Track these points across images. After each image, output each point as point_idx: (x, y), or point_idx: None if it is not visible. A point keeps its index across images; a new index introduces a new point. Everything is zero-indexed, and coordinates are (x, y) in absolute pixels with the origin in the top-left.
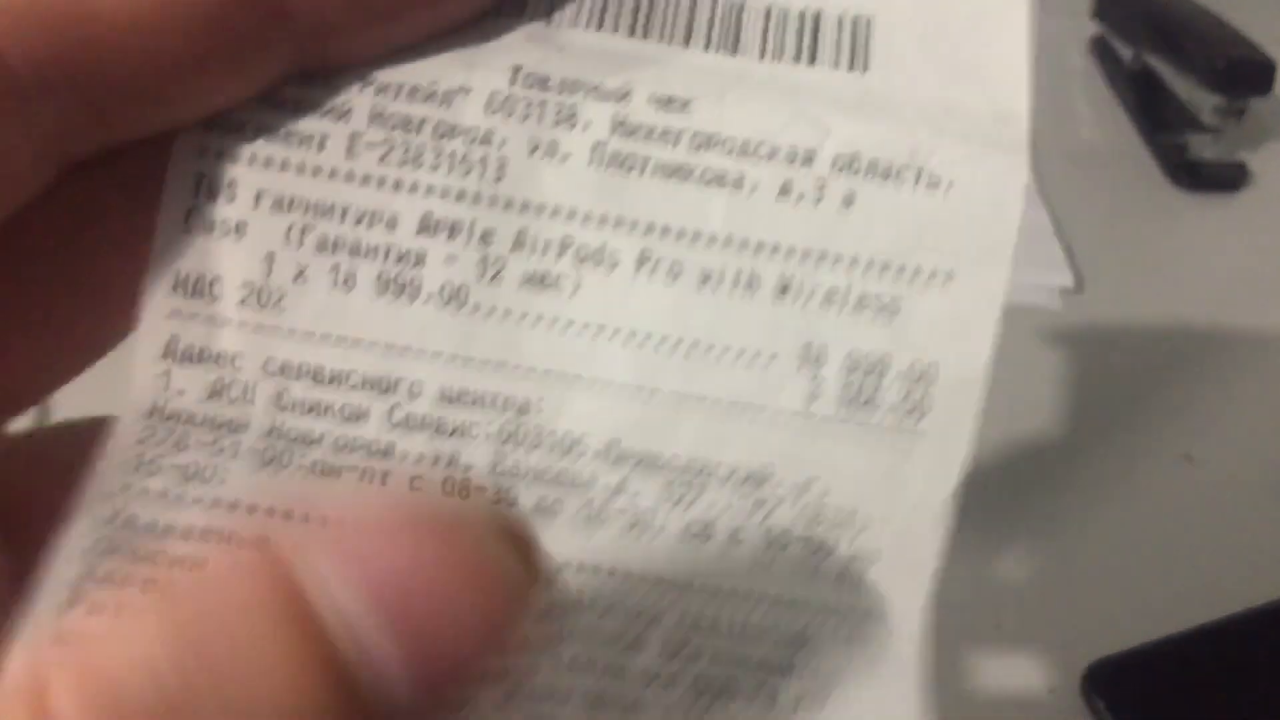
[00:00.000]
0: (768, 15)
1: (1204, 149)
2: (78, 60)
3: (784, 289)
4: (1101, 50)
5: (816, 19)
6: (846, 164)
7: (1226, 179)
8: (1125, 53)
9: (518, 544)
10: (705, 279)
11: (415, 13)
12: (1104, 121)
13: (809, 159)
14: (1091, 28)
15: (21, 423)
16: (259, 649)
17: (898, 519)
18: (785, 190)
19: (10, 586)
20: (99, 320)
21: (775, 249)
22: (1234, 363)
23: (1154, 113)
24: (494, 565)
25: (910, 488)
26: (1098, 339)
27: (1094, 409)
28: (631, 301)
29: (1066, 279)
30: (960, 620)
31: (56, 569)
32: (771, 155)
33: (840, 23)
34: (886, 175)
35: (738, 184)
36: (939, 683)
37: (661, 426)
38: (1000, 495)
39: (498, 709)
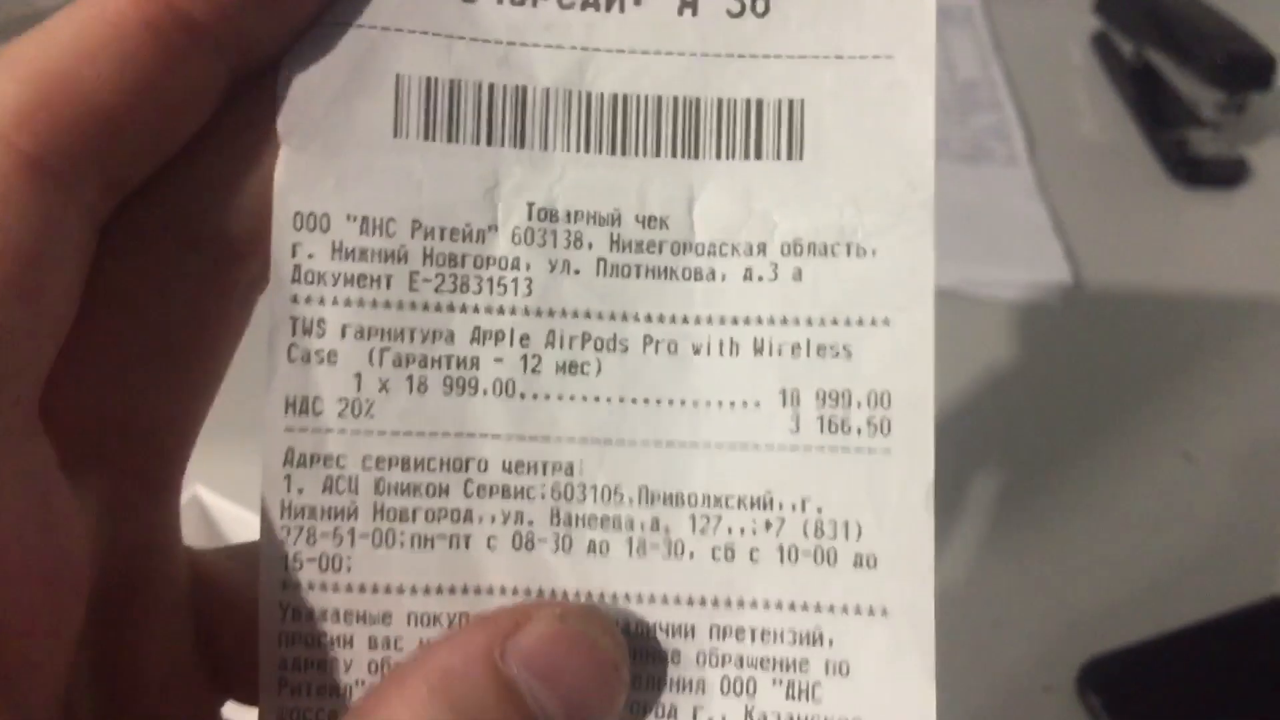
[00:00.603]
0: (719, 112)
1: (1204, 144)
2: (95, 144)
3: (758, 349)
4: (1102, 46)
5: (759, 107)
6: (792, 248)
7: (1227, 174)
8: (1126, 48)
9: (614, 634)
10: (697, 350)
11: None
12: (1104, 117)
13: (763, 249)
14: (1093, 23)
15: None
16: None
17: (886, 521)
18: (748, 275)
19: (206, 675)
20: (195, 365)
21: (747, 319)
22: (1233, 360)
23: (1154, 108)
24: (605, 652)
25: (890, 493)
26: (1097, 336)
27: (1092, 406)
28: (642, 376)
29: (1066, 276)
30: (956, 618)
31: (264, 658)
32: (734, 251)
33: (778, 109)
34: (824, 252)
35: (711, 275)
36: (935, 680)
37: (681, 470)
38: (997, 493)
39: None
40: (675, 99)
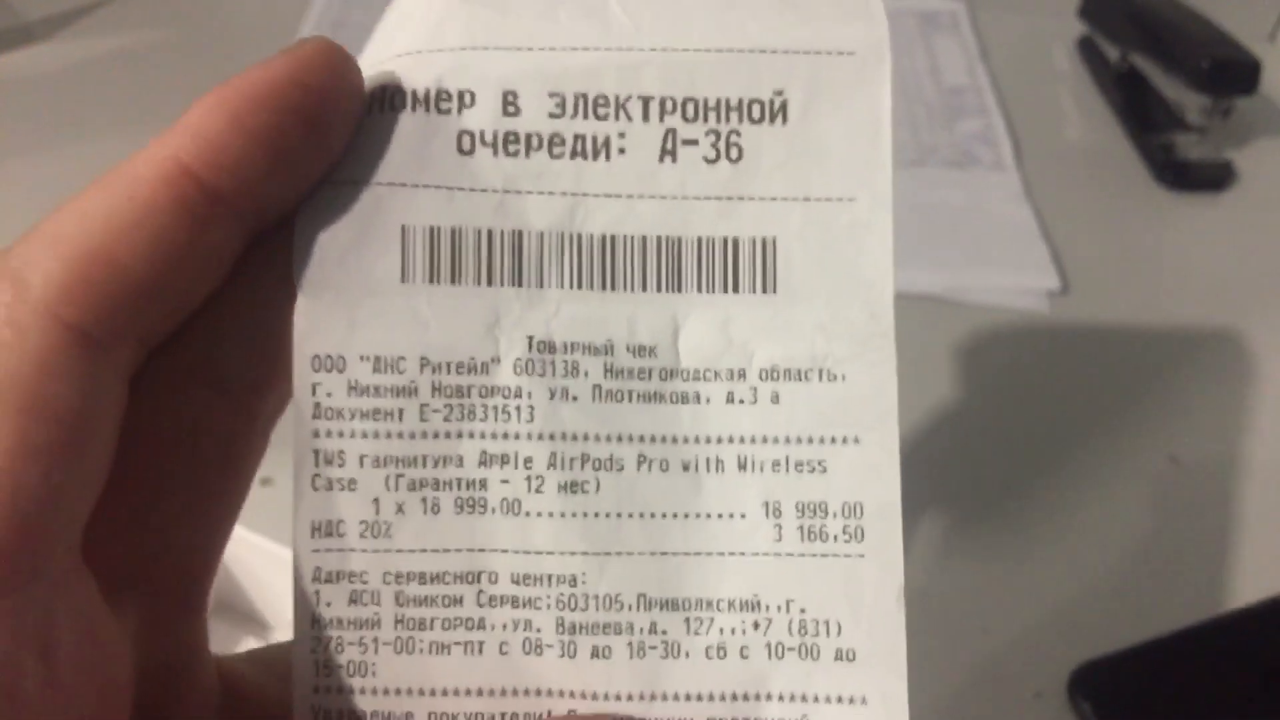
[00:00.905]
0: (699, 250)
1: (1190, 149)
2: (130, 310)
3: (742, 465)
4: (1088, 51)
5: (735, 245)
6: (769, 374)
7: (1213, 178)
8: (1112, 53)
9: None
10: (686, 467)
11: (308, 156)
12: (1090, 122)
13: (742, 374)
14: (1078, 29)
15: None
16: None
17: (863, 619)
18: (730, 398)
19: None
20: (221, 491)
21: (730, 439)
22: (1220, 364)
23: (1140, 113)
24: None
25: (865, 594)
26: (1084, 341)
27: (1080, 411)
28: (638, 491)
29: (1053, 282)
30: (947, 624)
31: None
32: (716, 376)
33: (752, 247)
34: (799, 377)
35: (696, 399)
36: (926, 687)
37: (675, 577)
38: (986, 498)
39: None
40: (659, 238)
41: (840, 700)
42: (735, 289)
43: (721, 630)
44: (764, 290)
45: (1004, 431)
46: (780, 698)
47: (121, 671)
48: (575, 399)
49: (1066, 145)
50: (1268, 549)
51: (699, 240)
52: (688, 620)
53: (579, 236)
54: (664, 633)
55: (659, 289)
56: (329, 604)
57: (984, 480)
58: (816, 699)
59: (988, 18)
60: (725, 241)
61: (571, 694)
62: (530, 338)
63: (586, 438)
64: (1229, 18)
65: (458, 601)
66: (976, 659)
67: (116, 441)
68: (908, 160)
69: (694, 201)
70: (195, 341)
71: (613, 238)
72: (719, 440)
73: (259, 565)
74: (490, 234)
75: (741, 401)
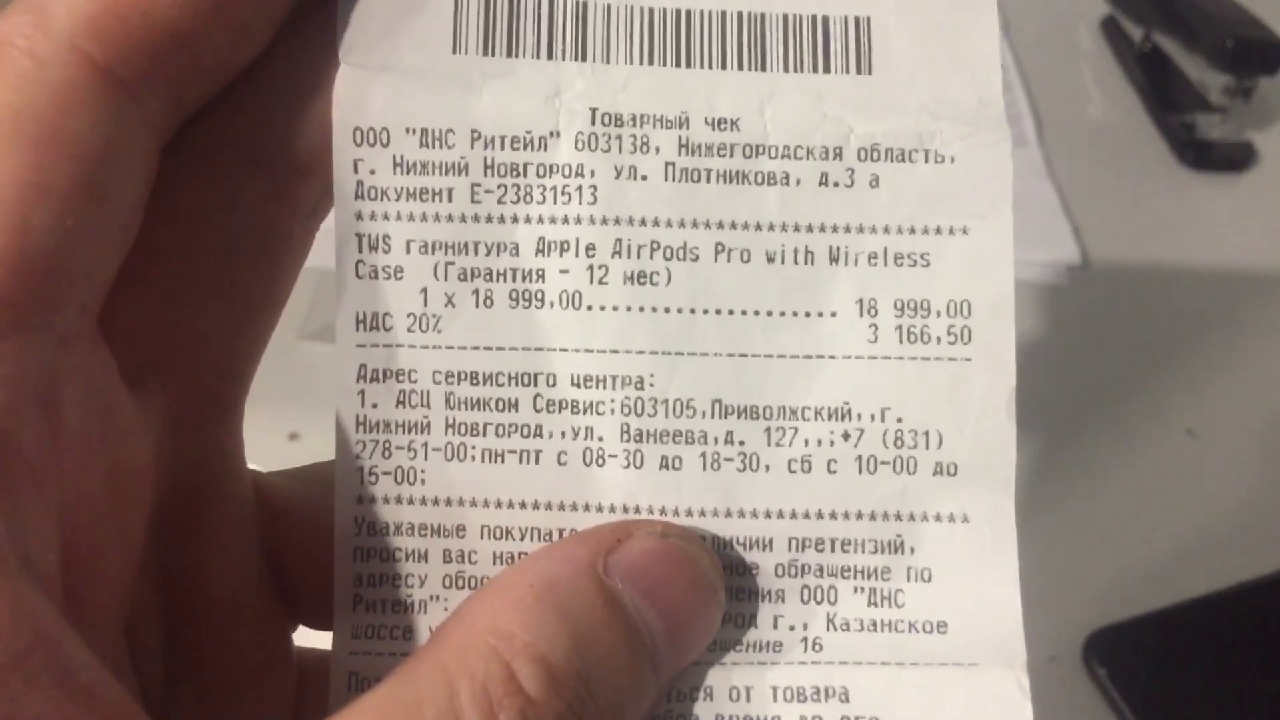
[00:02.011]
0: (784, 27)
1: (1212, 129)
2: (162, 58)
3: (834, 258)
4: (1112, 30)
5: (826, 23)
6: (869, 153)
7: (1234, 159)
8: (1135, 33)
9: (713, 555)
10: (771, 259)
11: None
12: (1113, 101)
13: (839, 153)
14: (1102, 8)
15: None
16: (607, 629)
17: (967, 430)
18: (823, 180)
19: (275, 600)
20: (257, 283)
21: (823, 227)
22: (1236, 340)
23: (1163, 92)
24: (706, 573)
25: (972, 402)
26: (1103, 315)
27: (1098, 384)
28: (714, 284)
29: (1074, 256)
30: None
31: (339, 575)
32: (809, 154)
33: (844, 25)
34: (901, 158)
35: (785, 180)
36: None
37: (755, 382)
38: None
39: None
40: (740, 13)
41: (940, 519)
42: (827, 69)
43: (806, 441)
44: (859, 71)
45: (1024, 400)
46: (872, 516)
47: (137, 460)
48: (644, 178)
49: (1088, 123)
50: None
51: (784, 17)
52: (768, 430)
53: (649, 9)
54: (741, 443)
55: (740, 67)
56: (375, 405)
57: None
58: (913, 517)
59: None
60: (814, 19)
61: (637, 509)
62: (594, 110)
63: (656, 222)
64: None
65: (513, 405)
66: None
67: (143, 205)
68: None
69: None
70: (232, 113)
71: (688, 11)
72: (809, 229)
73: None
74: (552, 3)
75: (836, 184)
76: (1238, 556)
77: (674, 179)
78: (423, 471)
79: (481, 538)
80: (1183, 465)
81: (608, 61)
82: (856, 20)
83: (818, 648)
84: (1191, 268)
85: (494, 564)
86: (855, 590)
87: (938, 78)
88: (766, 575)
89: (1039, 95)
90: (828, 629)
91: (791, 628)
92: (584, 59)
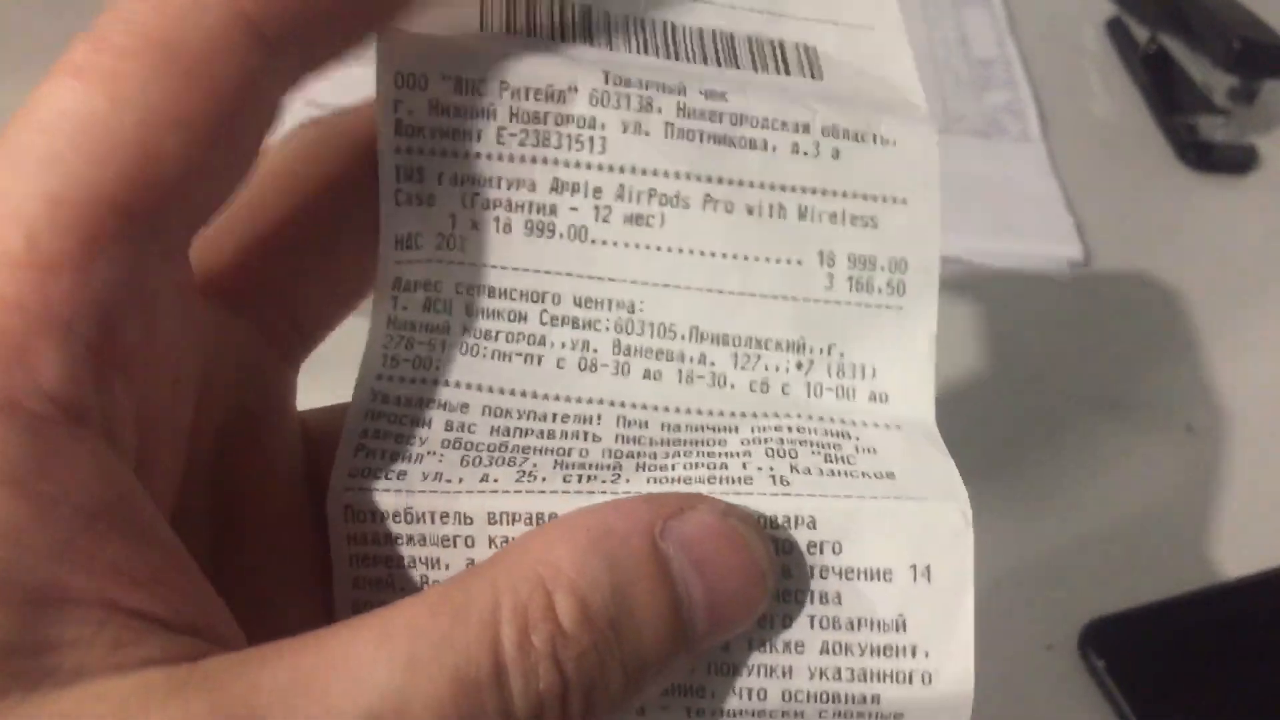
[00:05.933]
0: (749, 43)
1: (1215, 130)
2: (304, 16)
3: (802, 215)
4: (1117, 31)
5: (782, 44)
6: (830, 131)
7: (1236, 161)
8: (1140, 34)
9: (769, 544)
10: (750, 211)
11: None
12: (1118, 101)
13: (806, 129)
14: (1108, 9)
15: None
16: (649, 587)
17: (897, 363)
18: (795, 149)
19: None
20: (351, 260)
21: (794, 188)
22: (1234, 338)
23: (1167, 93)
24: (758, 559)
25: (902, 342)
26: (1104, 311)
27: (1098, 378)
28: (701, 229)
29: (1076, 252)
30: None
31: (349, 428)
32: (783, 126)
33: (797, 48)
34: (857, 139)
35: (764, 146)
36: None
37: (728, 314)
38: (1003, 459)
39: None
40: (714, 30)
41: (877, 425)
42: (788, 73)
43: (766, 367)
44: (814, 77)
45: (1021, 395)
46: (822, 418)
47: (200, 375)
48: (647, 134)
49: (1092, 121)
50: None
51: (749, 37)
52: (735, 355)
53: (642, 19)
54: (712, 364)
55: (719, 64)
56: (405, 308)
57: (1002, 441)
58: (854, 422)
59: None
60: (773, 41)
61: (621, 404)
62: (607, 72)
63: (655, 173)
64: (1259, 1)
65: (522, 318)
66: (990, 610)
67: (258, 151)
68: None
69: (744, 12)
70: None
71: (673, 24)
72: (783, 188)
73: None
74: (563, 5)
75: (805, 154)
76: (1235, 550)
77: (672, 137)
78: (439, 360)
79: (482, 414)
80: (1181, 460)
81: (611, 48)
82: (806, 46)
83: (785, 483)
84: (1191, 266)
85: (489, 435)
86: (812, 452)
87: (873, 88)
88: (733, 446)
89: (1043, 92)
90: (792, 471)
91: (760, 469)
92: (591, 44)
